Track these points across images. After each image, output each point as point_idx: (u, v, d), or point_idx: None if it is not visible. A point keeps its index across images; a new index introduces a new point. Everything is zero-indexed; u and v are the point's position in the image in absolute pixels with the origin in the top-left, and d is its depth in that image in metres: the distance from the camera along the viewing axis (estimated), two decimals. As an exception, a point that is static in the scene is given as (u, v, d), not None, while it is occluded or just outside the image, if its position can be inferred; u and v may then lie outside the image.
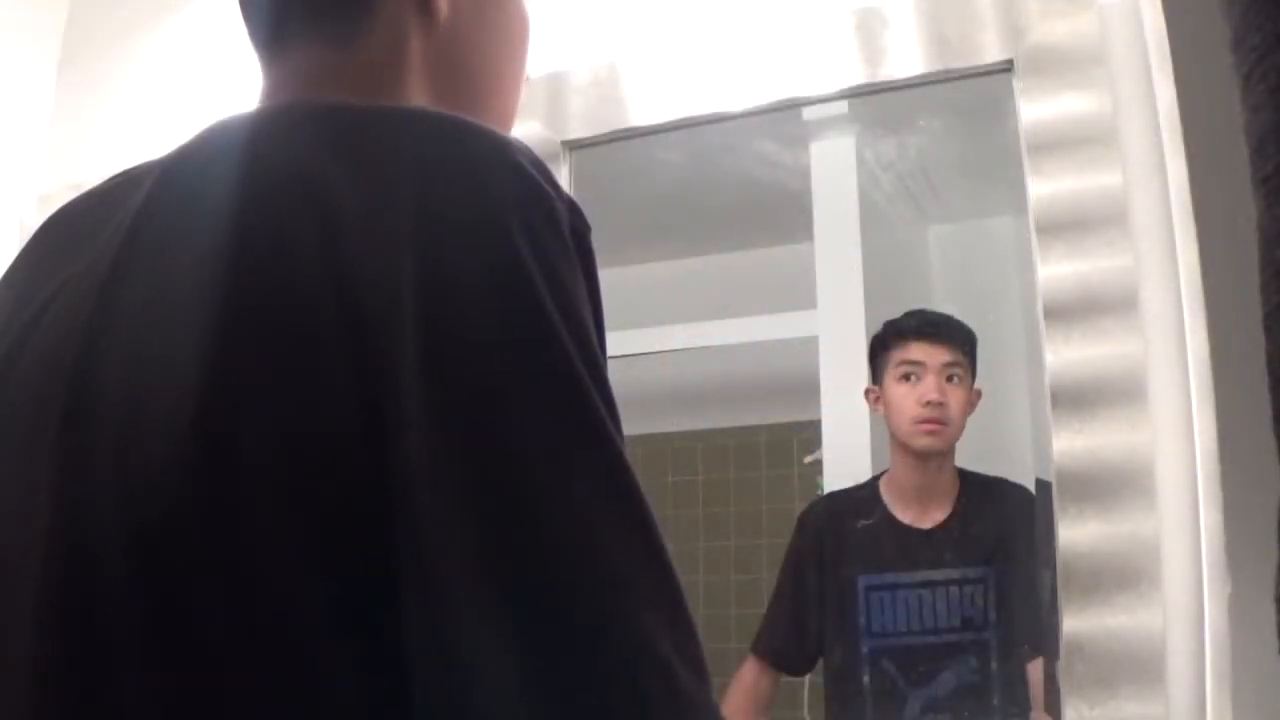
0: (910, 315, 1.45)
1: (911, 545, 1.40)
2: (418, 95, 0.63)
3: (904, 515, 1.42)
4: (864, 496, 1.44)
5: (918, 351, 1.42)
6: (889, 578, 1.38)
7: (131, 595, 0.46)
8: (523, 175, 0.50)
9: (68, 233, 0.61)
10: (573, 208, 0.52)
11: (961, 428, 1.40)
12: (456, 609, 0.43)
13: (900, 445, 1.43)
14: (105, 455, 0.48)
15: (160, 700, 0.45)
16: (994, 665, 1.32)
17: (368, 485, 0.44)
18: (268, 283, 0.48)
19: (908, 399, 1.41)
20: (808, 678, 1.47)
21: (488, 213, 0.49)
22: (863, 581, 1.39)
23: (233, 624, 0.45)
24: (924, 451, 1.41)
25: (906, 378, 1.41)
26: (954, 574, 1.35)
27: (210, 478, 0.46)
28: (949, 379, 1.40)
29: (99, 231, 0.55)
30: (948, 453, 1.41)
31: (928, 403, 1.39)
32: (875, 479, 1.45)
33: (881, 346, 1.45)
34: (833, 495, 1.47)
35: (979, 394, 1.41)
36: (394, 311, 0.46)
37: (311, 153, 0.51)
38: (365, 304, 0.46)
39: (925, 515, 1.41)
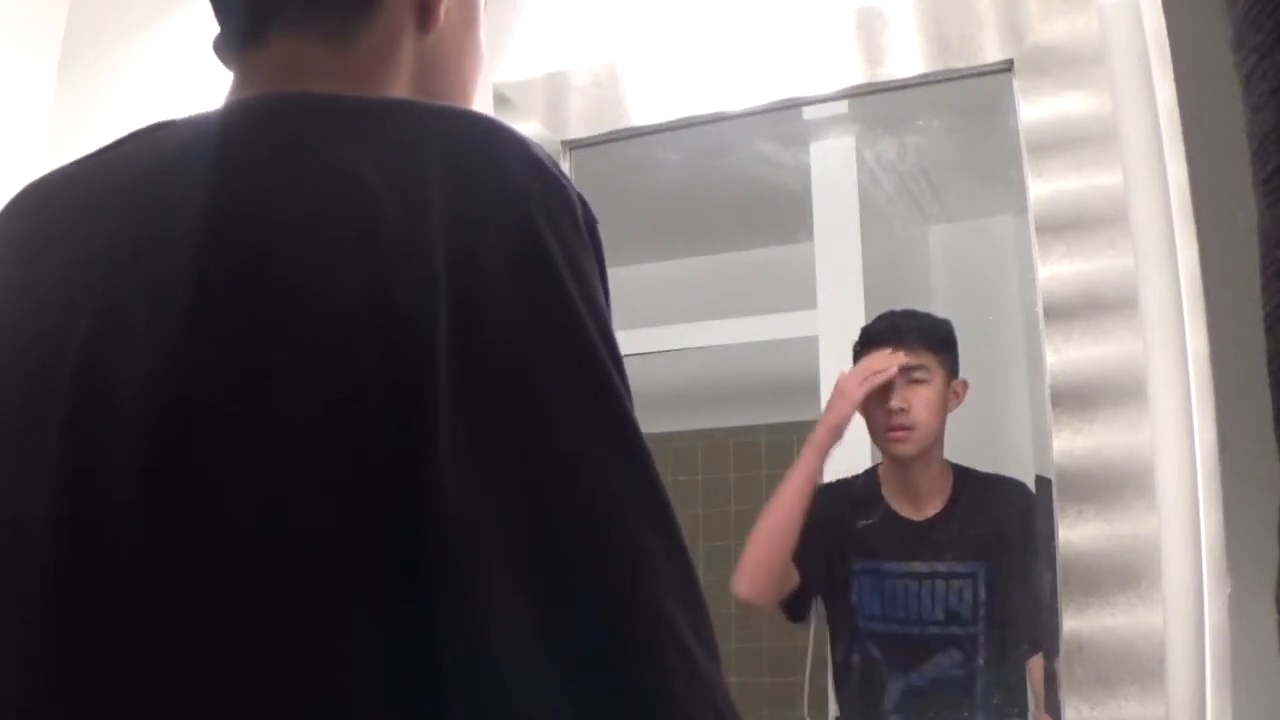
0: (877, 320, 1.45)
1: (905, 537, 1.41)
2: (402, 95, 0.64)
3: (901, 509, 1.43)
4: (863, 495, 1.44)
5: (876, 361, 1.42)
6: (876, 564, 1.39)
7: (149, 580, 0.46)
8: (542, 169, 0.53)
9: (58, 212, 0.59)
10: (583, 200, 0.54)
11: (934, 426, 1.40)
12: (485, 587, 0.44)
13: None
14: (119, 439, 0.48)
15: (182, 696, 0.45)
16: (980, 661, 1.32)
17: (397, 467, 0.45)
18: (299, 271, 0.48)
19: (872, 408, 1.42)
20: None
21: (513, 204, 0.50)
22: (856, 564, 1.40)
23: (255, 610, 0.45)
24: (897, 458, 1.42)
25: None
26: (941, 568, 1.36)
27: (232, 462, 0.46)
28: (911, 381, 1.40)
29: (102, 212, 0.55)
30: (925, 454, 1.41)
31: (888, 411, 1.40)
32: (874, 468, 1.45)
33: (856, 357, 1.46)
34: (832, 485, 1.46)
35: (964, 385, 1.40)
36: (429, 297, 0.47)
37: (341, 143, 0.52)
38: (399, 291, 0.47)
39: (919, 510, 1.41)
